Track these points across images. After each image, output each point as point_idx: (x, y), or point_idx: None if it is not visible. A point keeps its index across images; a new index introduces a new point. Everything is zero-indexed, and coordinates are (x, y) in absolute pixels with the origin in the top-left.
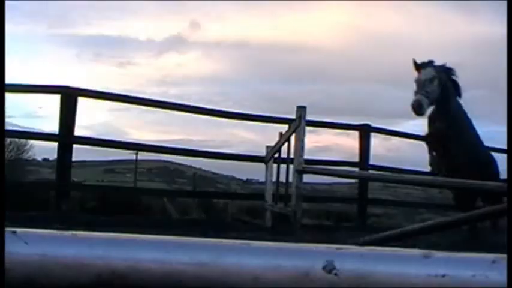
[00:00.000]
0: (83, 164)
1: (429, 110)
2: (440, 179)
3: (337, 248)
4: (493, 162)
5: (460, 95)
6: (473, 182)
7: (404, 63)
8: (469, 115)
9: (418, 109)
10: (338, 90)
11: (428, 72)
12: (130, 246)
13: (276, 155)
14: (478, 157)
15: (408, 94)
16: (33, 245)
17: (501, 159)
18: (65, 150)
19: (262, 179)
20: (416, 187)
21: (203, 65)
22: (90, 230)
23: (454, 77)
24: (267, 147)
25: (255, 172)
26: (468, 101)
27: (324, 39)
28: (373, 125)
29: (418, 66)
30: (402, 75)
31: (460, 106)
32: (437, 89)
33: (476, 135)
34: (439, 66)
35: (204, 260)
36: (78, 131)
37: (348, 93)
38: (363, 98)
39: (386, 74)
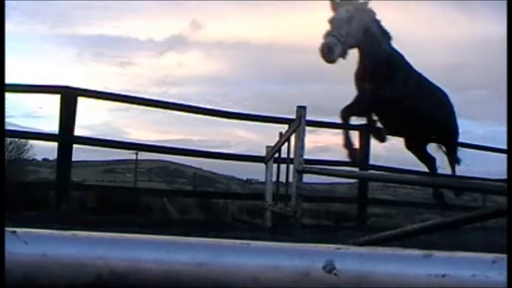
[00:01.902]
0: (83, 164)
1: (342, 56)
2: (440, 179)
3: (337, 248)
4: (453, 118)
5: (390, 39)
6: (473, 182)
7: None
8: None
9: (327, 54)
10: (338, 90)
11: (346, 11)
12: (130, 246)
13: (276, 155)
14: (433, 113)
15: None
16: (33, 245)
17: (501, 159)
18: (65, 150)
19: (262, 179)
20: (416, 187)
21: (203, 65)
22: (90, 230)
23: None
24: (267, 147)
25: (255, 172)
26: (469, 101)
27: None
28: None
29: (335, 5)
30: None
31: (393, 51)
32: (357, 32)
33: (424, 81)
34: (361, 4)
35: (204, 260)
36: (78, 131)
37: (348, 93)
38: None
39: None
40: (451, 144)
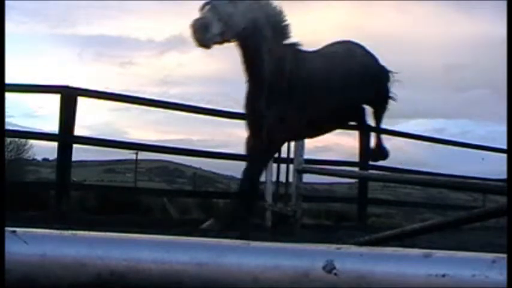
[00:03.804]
0: (83, 164)
1: (220, 41)
2: (440, 178)
3: (337, 248)
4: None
5: (285, 37)
6: (473, 182)
7: (404, 63)
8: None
9: (200, 33)
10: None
11: None
12: (130, 246)
13: (276, 155)
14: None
15: (409, 94)
16: (33, 245)
17: (501, 159)
18: (65, 150)
19: (262, 179)
20: (416, 187)
21: (204, 65)
22: (90, 230)
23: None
24: None
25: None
26: (469, 101)
27: (325, 39)
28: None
29: None
30: (402, 75)
31: (288, 47)
32: (243, 18)
33: (336, 58)
34: None
35: (204, 260)
36: (78, 131)
37: None
38: None
39: None
40: (383, 106)
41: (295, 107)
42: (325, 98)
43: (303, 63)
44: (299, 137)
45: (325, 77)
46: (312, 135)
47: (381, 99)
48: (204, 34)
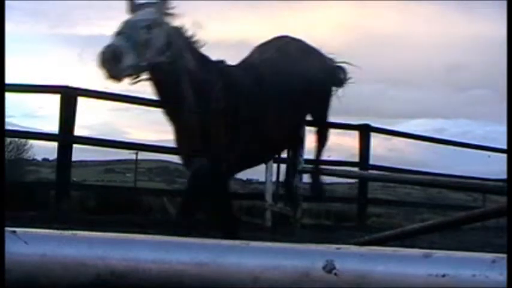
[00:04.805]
0: (83, 164)
1: (133, 74)
2: (440, 178)
3: (337, 248)
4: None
5: (208, 61)
6: (473, 182)
7: (404, 63)
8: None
9: (111, 62)
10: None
11: (150, 13)
12: (130, 246)
13: (276, 155)
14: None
15: (409, 94)
16: (33, 245)
17: (501, 159)
18: (65, 150)
19: (262, 179)
20: (416, 187)
21: None
22: (90, 230)
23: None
24: None
25: (255, 172)
26: (469, 101)
27: (325, 39)
28: (373, 125)
29: (135, 7)
30: (402, 75)
31: (217, 73)
32: (163, 45)
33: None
34: (168, 7)
35: (204, 260)
36: (78, 131)
37: (348, 93)
38: (363, 98)
39: (386, 74)
40: (325, 113)
41: (227, 145)
42: (260, 127)
43: (234, 89)
44: (234, 173)
45: (258, 102)
46: (245, 169)
47: (322, 104)
48: (115, 65)
